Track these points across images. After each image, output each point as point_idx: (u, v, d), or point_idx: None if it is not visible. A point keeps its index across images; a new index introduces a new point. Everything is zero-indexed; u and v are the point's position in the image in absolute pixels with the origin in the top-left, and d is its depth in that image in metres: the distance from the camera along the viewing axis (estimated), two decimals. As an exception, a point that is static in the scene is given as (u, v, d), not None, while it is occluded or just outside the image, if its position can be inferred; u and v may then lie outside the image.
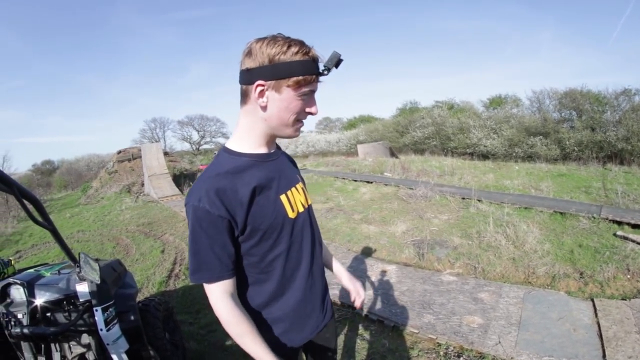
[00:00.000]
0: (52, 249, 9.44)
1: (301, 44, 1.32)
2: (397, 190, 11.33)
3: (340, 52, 1.35)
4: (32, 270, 3.05)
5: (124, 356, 2.59)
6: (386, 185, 12.25)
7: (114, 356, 2.55)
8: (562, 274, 4.92)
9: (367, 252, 6.67)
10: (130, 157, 22.40)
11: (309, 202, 1.67)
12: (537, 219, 7.23)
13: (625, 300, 4.15)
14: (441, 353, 3.63)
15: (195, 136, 49.89)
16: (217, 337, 4.25)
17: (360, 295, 1.90)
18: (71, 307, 2.65)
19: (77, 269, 2.48)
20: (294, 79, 1.31)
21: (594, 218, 6.82)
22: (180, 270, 6.65)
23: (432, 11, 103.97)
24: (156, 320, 3.25)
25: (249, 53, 1.33)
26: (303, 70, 1.31)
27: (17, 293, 2.66)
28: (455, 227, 7.41)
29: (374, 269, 5.78)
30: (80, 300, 2.56)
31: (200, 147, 49.75)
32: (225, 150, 1.48)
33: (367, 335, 4.10)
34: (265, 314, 1.53)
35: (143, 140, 46.18)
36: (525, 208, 8.05)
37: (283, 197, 1.50)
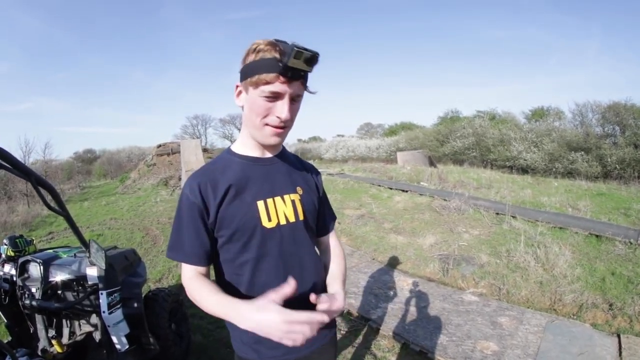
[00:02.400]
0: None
1: (270, 43, 1.26)
2: (431, 201, 11.04)
3: (315, 48, 1.22)
4: (51, 251, 3.24)
5: (124, 339, 2.74)
6: (421, 195, 11.96)
7: (113, 337, 2.71)
8: (590, 303, 4.61)
9: (392, 263, 6.51)
10: (169, 151, 22.85)
11: (302, 218, 1.52)
12: (571, 240, 6.85)
13: (655, 339, 3.83)
14: (451, 379, 3.45)
15: (237, 135, 50.45)
16: (223, 334, 4.21)
17: (336, 304, 1.48)
18: (80, 287, 2.85)
19: (88, 254, 2.65)
20: (254, 77, 1.28)
21: (631, 244, 6.38)
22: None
23: (477, 19, 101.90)
24: (162, 310, 3.39)
25: None
26: (263, 69, 1.26)
27: (35, 269, 2.88)
28: (485, 243, 7.12)
29: (395, 281, 5.61)
30: (89, 282, 2.73)
31: (241, 146, 50.39)
32: (227, 149, 1.55)
33: (375, 349, 3.97)
34: None
35: (184, 135, 47.24)
36: (560, 228, 7.66)
37: (260, 203, 1.43)
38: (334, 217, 1.84)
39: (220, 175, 1.41)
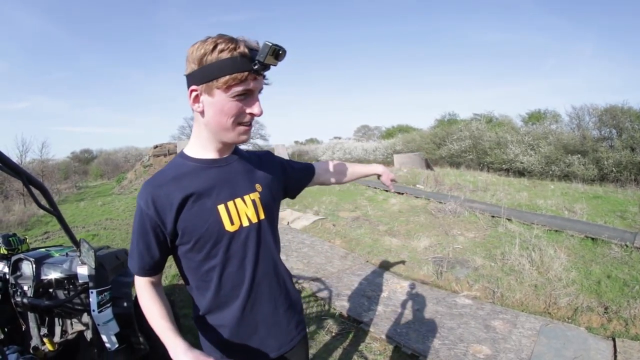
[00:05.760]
0: (77, 234, 9.47)
1: (229, 40, 1.22)
2: (427, 203, 11.01)
3: (280, 43, 1.20)
4: (43, 249, 3.28)
5: (113, 338, 2.72)
6: (417, 197, 11.93)
7: (103, 336, 2.69)
8: (585, 306, 4.55)
9: (385, 265, 6.44)
10: (166, 152, 22.77)
11: (263, 217, 1.49)
12: (567, 243, 6.80)
13: (651, 342, 3.78)
14: (443, 383, 3.39)
15: (234, 135, 50.35)
16: (213, 336, 4.15)
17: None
18: (71, 286, 2.87)
19: (79, 253, 2.69)
20: (222, 79, 1.23)
21: (627, 246, 6.34)
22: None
23: (474, 23, 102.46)
24: None
25: (186, 59, 1.28)
26: (231, 69, 1.22)
27: (27, 268, 2.91)
28: (480, 246, 7.07)
29: (388, 283, 5.55)
30: (80, 281, 2.75)
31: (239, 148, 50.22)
32: (180, 154, 1.47)
33: (366, 352, 3.91)
34: (208, 319, 1.52)
35: (182, 137, 46.94)
36: (556, 231, 7.60)
37: (221, 207, 1.40)
38: (311, 163, 1.89)
39: (175, 184, 1.37)
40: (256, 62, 1.21)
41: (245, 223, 1.44)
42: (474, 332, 4.09)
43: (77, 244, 2.76)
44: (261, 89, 1.33)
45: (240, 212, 1.43)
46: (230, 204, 1.41)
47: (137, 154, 37.63)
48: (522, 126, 24.68)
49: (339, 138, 52.69)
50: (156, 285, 1.48)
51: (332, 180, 1.94)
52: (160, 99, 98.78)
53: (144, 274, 1.45)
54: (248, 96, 1.29)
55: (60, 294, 2.88)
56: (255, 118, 1.35)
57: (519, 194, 12.32)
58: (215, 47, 1.22)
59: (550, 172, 17.98)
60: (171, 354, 1.23)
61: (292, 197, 1.82)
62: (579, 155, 17.25)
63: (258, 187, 1.51)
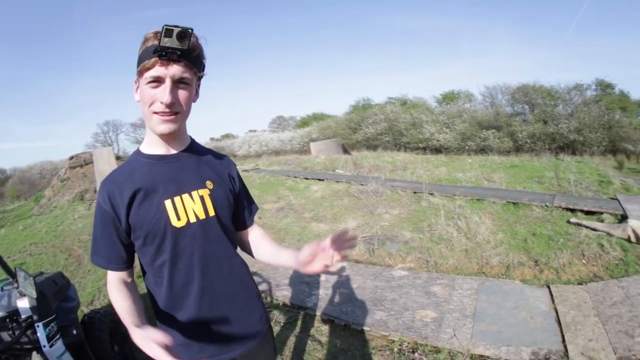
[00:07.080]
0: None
1: (156, 32, 1.28)
2: (348, 186, 11.22)
3: (189, 26, 1.26)
4: None
5: None
6: (337, 182, 12.12)
7: None
8: (516, 262, 4.89)
9: (317, 250, 6.47)
10: (82, 162, 21.76)
11: (213, 214, 1.50)
12: (490, 210, 7.24)
13: (582, 284, 4.14)
14: (395, 350, 3.50)
15: (152, 139, 48.74)
16: (170, 349, 4.00)
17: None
18: (14, 324, 2.56)
19: (16, 284, 2.49)
20: (140, 67, 1.32)
21: (547, 207, 6.86)
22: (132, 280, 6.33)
23: (386, 8, 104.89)
24: (102, 333, 3.21)
25: None
26: (145, 56, 1.30)
27: None
28: (407, 221, 7.33)
29: (323, 267, 5.57)
30: (22, 316, 2.50)
31: (155, 150, 48.75)
32: (136, 150, 1.54)
33: (318, 335, 3.94)
34: (167, 317, 1.52)
35: (96, 144, 45.12)
36: (478, 200, 8.06)
37: (168, 203, 1.43)
38: (254, 210, 1.80)
39: (128, 179, 1.43)
40: (157, 47, 1.24)
41: (193, 219, 1.45)
42: (416, 300, 4.24)
43: (12, 274, 2.58)
44: (183, 77, 1.33)
45: (187, 208, 1.45)
46: (177, 199, 1.44)
47: (52, 168, 35.08)
48: (437, 107, 25.81)
49: (254, 131, 52.34)
50: (127, 283, 1.50)
51: (252, 248, 1.77)
52: (74, 107, 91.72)
53: (113, 267, 1.47)
54: (161, 84, 1.31)
55: (5, 336, 2.57)
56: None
57: (438, 169, 12.91)
58: (146, 38, 1.32)
59: (467, 147, 19.08)
60: (130, 332, 1.30)
61: None
62: (494, 130, 18.53)
63: (209, 184, 1.52)
